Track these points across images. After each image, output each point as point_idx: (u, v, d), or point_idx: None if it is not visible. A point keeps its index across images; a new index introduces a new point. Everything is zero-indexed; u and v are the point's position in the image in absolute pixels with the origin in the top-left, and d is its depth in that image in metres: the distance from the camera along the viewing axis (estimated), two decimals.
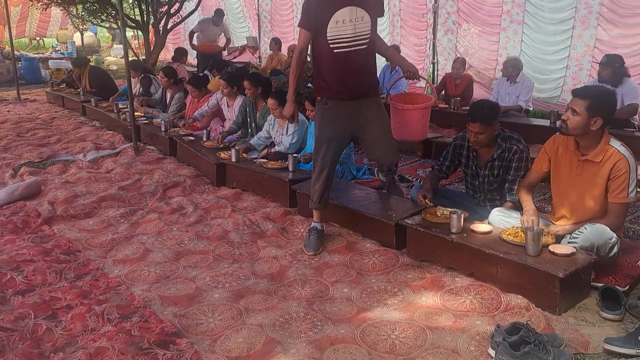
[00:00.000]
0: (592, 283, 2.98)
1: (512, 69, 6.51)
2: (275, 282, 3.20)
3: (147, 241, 3.77)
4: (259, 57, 12.61)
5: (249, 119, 5.74)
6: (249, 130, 5.76)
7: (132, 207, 4.43)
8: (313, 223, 3.66)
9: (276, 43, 10.13)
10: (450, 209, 3.36)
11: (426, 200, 3.55)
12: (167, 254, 3.57)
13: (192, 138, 5.85)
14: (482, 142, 3.50)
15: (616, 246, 3.02)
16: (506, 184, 3.56)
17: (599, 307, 2.81)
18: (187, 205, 4.47)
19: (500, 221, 3.35)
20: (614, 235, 3.00)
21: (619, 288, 2.89)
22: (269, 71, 8.88)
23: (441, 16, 9.13)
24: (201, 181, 5.13)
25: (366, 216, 3.67)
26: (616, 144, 3.07)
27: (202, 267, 3.39)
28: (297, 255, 3.54)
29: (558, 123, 3.15)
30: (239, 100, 5.93)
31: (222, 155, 5.08)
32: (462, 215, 3.22)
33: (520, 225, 3.17)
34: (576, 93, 3.06)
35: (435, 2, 9.08)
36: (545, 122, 6.05)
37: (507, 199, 3.54)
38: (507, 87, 6.60)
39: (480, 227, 3.24)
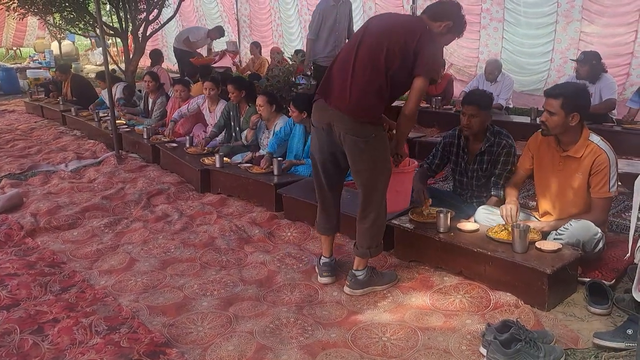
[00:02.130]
0: (579, 278, 3.00)
1: (494, 71, 6.67)
2: (264, 288, 3.18)
3: (132, 251, 3.72)
4: (240, 62, 12.58)
5: (232, 123, 5.71)
6: (233, 135, 5.74)
7: (116, 217, 4.37)
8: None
9: (257, 47, 10.10)
10: (436, 208, 3.36)
11: (426, 199, 3.53)
12: (153, 263, 3.53)
13: (175, 145, 5.81)
14: (474, 127, 3.56)
15: (601, 241, 3.05)
16: (492, 178, 3.60)
17: (586, 302, 2.83)
18: (172, 212, 4.42)
19: (486, 219, 3.37)
20: (599, 230, 3.03)
21: (605, 282, 2.92)
22: (247, 74, 8.83)
23: None
24: (185, 188, 5.09)
25: (352, 217, 3.64)
26: (596, 139, 3.11)
27: (190, 275, 3.35)
28: (285, 259, 3.52)
29: (539, 120, 3.18)
30: (220, 106, 5.91)
31: (206, 161, 5.05)
32: (449, 215, 3.22)
33: (504, 220, 3.20)
34: (548, 93, 3.10)
35: (413, 2, 9.11)
36: (526, 119, 6.11)
37: (492, 193, 3.59)
38: (487, 86, 6.67)
39: (467, 225, 3.25)
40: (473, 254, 3.03)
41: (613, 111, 5.87)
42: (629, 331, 2.45)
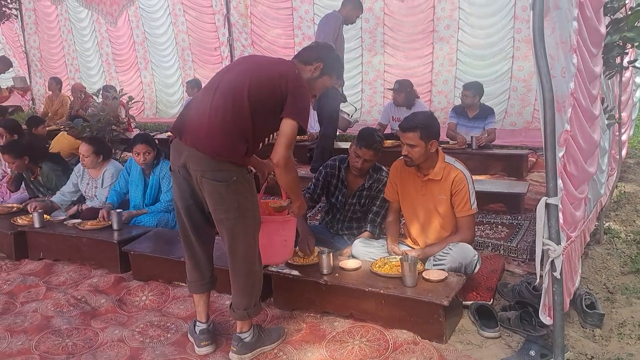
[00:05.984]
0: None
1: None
2: None
3: None
4: (32, 100, 11.10)
5: (31, 186, 4.89)
6: (39, 196, 4.86)
7: None
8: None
9: (57, 83, 8.93)
10: (316, 249, 3.15)
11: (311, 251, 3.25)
12: None
13: None
14: (365, 169, 3.49)
15: (478, 262, 3.11)
16: (370, 215, 3.53)
17: (477, 326, 2.84)
18: None
19: (365, 252, 3.28)
20: (476, 252, 3.10)
21: (487, 303, 2.98)
22: (65, 116, 7.74)
23: (237, 49, 9.11)
24: None
25: (219, 269, 3.21)
26: (451, 160, 3.23)
27: None
28: (148, 331, 2.95)
29: (402, 154, 3.18)
30: None
31: (19, 221, 4.14)
32: (331, 255, 3.03)
33: (387, 256, 3.15)
34: (404, 128, 3.13)
35: (230, 35, 9.04)
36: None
37: (368, 229, 3.51)
38: (314, 114, 6.77)
39: (349, 263, 3.09)
40: (363, 294, 2.86)
41: None
42: (532, 352, 2.49)
